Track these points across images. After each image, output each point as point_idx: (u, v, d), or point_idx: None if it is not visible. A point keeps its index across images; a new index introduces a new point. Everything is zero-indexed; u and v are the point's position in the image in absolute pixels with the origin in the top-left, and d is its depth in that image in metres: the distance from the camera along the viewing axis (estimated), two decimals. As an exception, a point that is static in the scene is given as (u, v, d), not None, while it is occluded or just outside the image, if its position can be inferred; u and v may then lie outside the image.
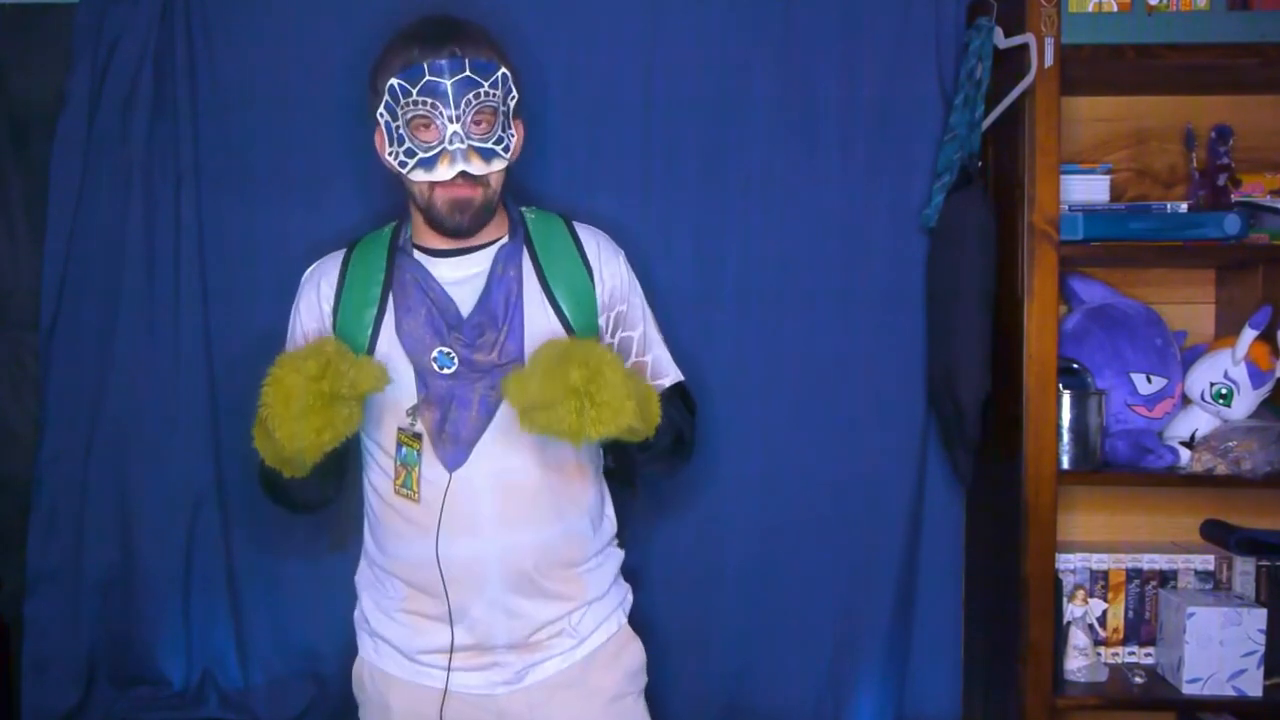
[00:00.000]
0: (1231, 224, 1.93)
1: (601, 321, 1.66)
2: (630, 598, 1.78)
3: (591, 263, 1.66)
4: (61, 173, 2.07)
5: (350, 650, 2.12)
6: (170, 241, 2.08)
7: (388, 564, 1.67)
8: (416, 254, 1.64)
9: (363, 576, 1.76)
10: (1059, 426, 1.91)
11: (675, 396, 1.72)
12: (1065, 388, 1.93)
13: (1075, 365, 1.99)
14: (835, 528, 2.09)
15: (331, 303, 1.65)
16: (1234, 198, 2.06)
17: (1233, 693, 1.94)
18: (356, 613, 1.77)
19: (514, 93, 1.58)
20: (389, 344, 1.61)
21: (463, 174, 1.53)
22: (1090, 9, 2.12)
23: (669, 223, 2.06)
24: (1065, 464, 1.93)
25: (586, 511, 1.67)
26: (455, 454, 1.58)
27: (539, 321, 1.61)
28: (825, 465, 2.09)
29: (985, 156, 2.01)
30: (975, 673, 2.10)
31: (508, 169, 1.60)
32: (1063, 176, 1.89)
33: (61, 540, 2.10)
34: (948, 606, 2.12)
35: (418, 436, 1.58)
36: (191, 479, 2.10)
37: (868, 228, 2.07)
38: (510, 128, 1.58)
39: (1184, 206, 2.05)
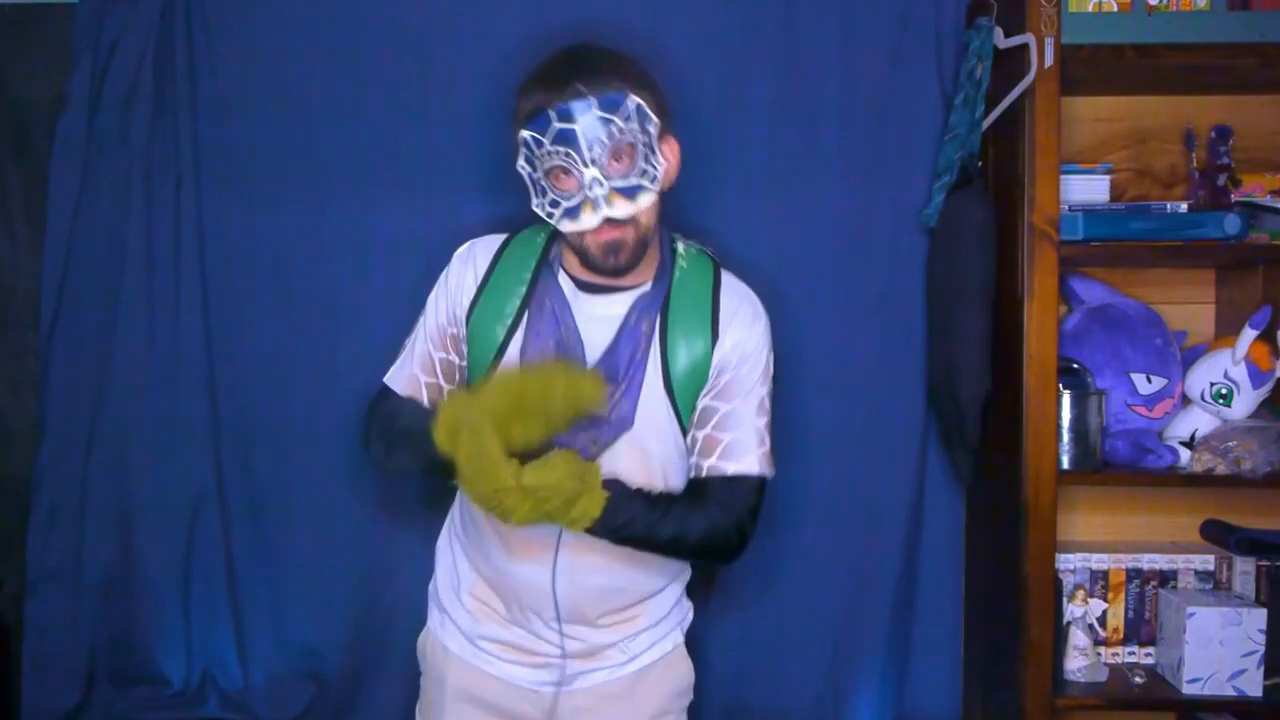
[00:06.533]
0: (1231, 224, 1.93)
1: (704, 389, 1.58)
2: (690, 616, 1.77)
3: (721, 328, 1.57)
4: (61, 173, 2.08)
5: (350, 650, 2.14)
6: (170, 242, 2.09)
7: (467, 544, 1.68)
8: (561, 278, 1.59)
9: (443, 547, 1.76)
10: (1059, 426, 1.91)
11: (711, 492, 1.57)
12: (1065, 388, 1.93)
13: (1075, 365, 1.99)
14: (835, 528, 2.10)
15: (471, 297, 1.60)
16: (1234, 198, 2.06)
17: (1233, 693, 1.94)
18: (430, 585, 1.77)
19: (653, 119, 1.48)
20: (510, 365, 1.56)
21: (608, 219, 1.47)
22: (1090, 9, 2.12)
23: (668, 223, 2.05)
24: (1065, 464, 1.93)
25: (662, 570, 1.66)
26: None
27: (653, 386, 1.55)
28: (825, 465, 2.09)
29: (985, 156, 2.01)
30: (975, 673, 2.10)
31: (662, 194, 1.54)
32: (1063, 176, 1.89)
33: (61, 540, 2.10)
34: (948, 606, 2.12)
35: None
36: (191, 479, 2.10)
37: (868, 228, 2.07)
38: (655, 155, 1.49)
39: (1184, 206, 2.05)
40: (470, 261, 1.62)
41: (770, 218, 2.08)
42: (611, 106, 1.45)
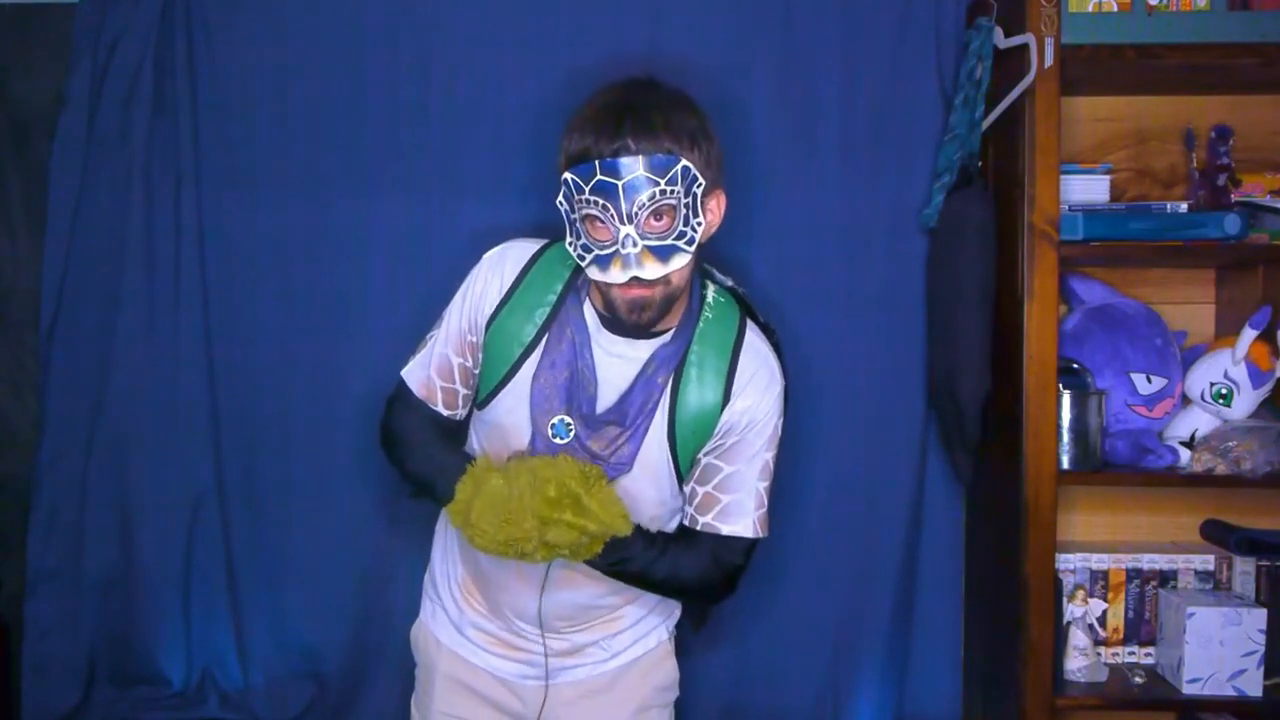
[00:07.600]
0: (1231, 224, 1.93)
1: (707, 446, 1.57)
2: (677, 613, 1.78)
3: (735, 390, 1.54)
4: (61, 173, 2.08)
5: (350, 650, 2.14)
6: (170, 241, 2.09)
7: (459, 536, 1.67)
8: (587, 308, 1.55)
9: (439, 534, 1.77)
10: (1059, 426, 1.91)
11: (703, 544, 1.58)
12: (1065, 388, 1.93)
13: (1075, 365, 1.99)
14: (835, 528, 2.10)
15: (494, 308, 1.56)
16: (1234, 198, 2.06)
17: (1233, 693, 1.94)
18: (426, 574, 1.79)
19: (699, 180, 1.43)
20: (521, 389, 1.54)
21: (636, 278, 1.43)
22: (1090, 9, 2.12)
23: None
24: (1065, 464, 1.93)
25: (640, 596, 1.68)
26: None
27: (657, 435, 1.54)
28: (825, 465, 2.09)
29: (985, 156, 2.01)
30: (975, 673, 2.10)
31: (700, 246, 1.49)
32: (1063, 176, 1.89)
33: (61, 540, 2.10)
34: (948, 606, 2.12)
35: None
36: (191, 479, 2.10)
37: (868, 228, 2.07)
38: (697, 216, 1.44)
39: (1184, 206, 2.05)
40: (499, 271, 1.57)
41: (770, 218, 2.08)
42: (659, 169, 1.40)
